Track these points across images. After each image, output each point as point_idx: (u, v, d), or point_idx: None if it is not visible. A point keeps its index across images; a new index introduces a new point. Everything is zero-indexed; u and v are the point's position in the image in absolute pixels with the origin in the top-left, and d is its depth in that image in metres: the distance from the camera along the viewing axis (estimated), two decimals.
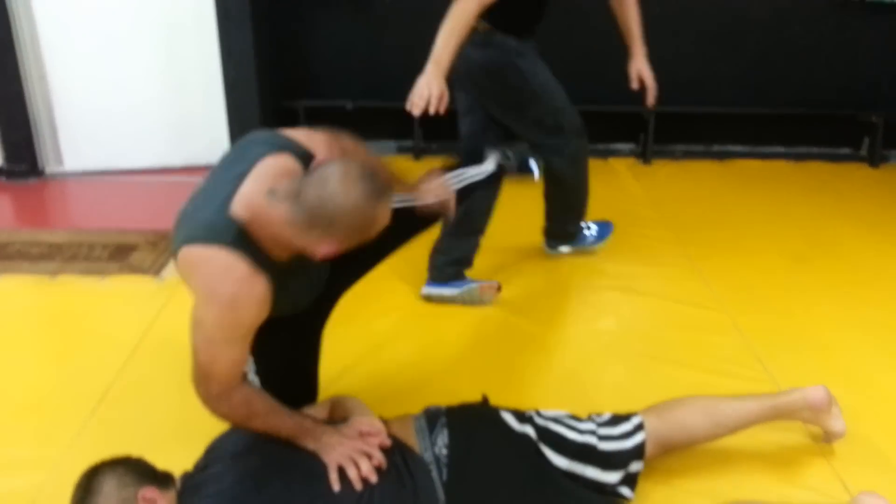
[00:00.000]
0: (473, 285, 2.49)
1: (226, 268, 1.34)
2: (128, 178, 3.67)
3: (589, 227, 2.89)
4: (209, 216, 1.38)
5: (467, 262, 2.53)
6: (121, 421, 1.93)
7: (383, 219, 1.38)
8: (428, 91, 1.95)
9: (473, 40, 2.17)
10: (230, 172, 1.42)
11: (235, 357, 1.41)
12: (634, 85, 2.55)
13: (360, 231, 1.36)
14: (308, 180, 1.34)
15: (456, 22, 2.03)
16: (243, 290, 1.35)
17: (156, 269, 2.71)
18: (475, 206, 2.41)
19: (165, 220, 3.00)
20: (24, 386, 2.08)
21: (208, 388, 1.41)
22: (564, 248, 2.88)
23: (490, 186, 2.24)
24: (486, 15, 2.11)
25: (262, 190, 1.36)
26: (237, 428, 1.50)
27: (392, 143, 4.10)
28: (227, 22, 3.45)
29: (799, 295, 2.65)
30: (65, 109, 3.63)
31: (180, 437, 1.76)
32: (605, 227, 2.91)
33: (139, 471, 1.42)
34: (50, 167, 3.69)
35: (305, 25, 3.92)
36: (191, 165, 3.67)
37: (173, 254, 1.44)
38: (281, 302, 1.44)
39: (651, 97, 2.61)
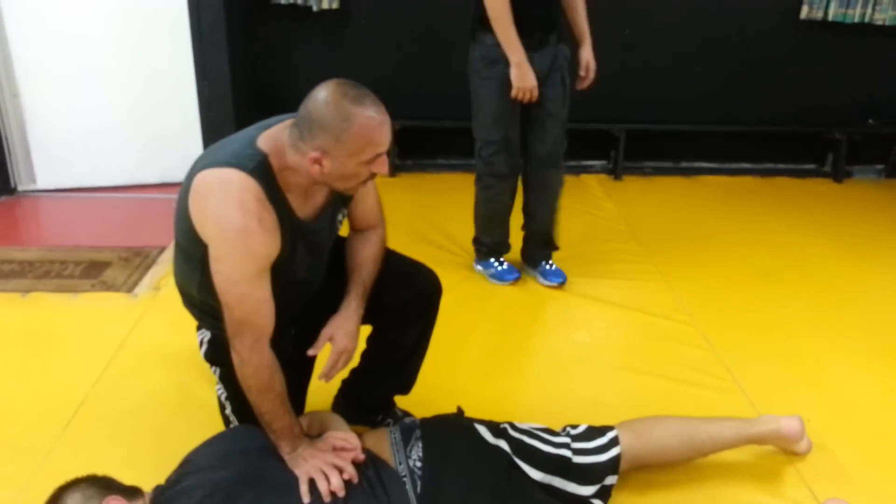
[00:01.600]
0: None
1: (241, 189, 1.40)
2: (101, 195, 3.65)
3: (501, 263, 2.86)
4: (236, 147, 1.46)
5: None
6: (93, 437, 1.92)
7: (365, 128, 1.39)
8: (530, 83, 2.43)
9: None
10: (249, 131, 1.51)
11: (260, 296, 1.45)
12: (582, 72, 2.70)
13: (338, 132, 1.38)
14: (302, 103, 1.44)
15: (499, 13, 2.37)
16: (253, 218, 1.39)
17: (129, 286, 2.70)
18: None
19: (139, 236, 3.09)
20: None
21: (243, 339, 1.45)
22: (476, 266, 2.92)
23: None
24: None
25: (285, 126, 1.46)
26: (250, 395, 1.51)
27: None
28: (202, 41, 3.46)
29: (766, 306, 2.71)
30: (38, 127, 3.60)
31: (153, 453, 1.76)
32: (510, 272, 2.84)
33: (104, 485, 1.41)
34: (22, 185, 3.66)
35: (282, 43, 3.95)
36: (165, 182, 3.66)
37: (186, 189, 1.47)
38: (288, 263, 1.49)
39: (587, 83, 2.75)
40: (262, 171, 1.43)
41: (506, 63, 2.44)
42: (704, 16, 3.97)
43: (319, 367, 1.89)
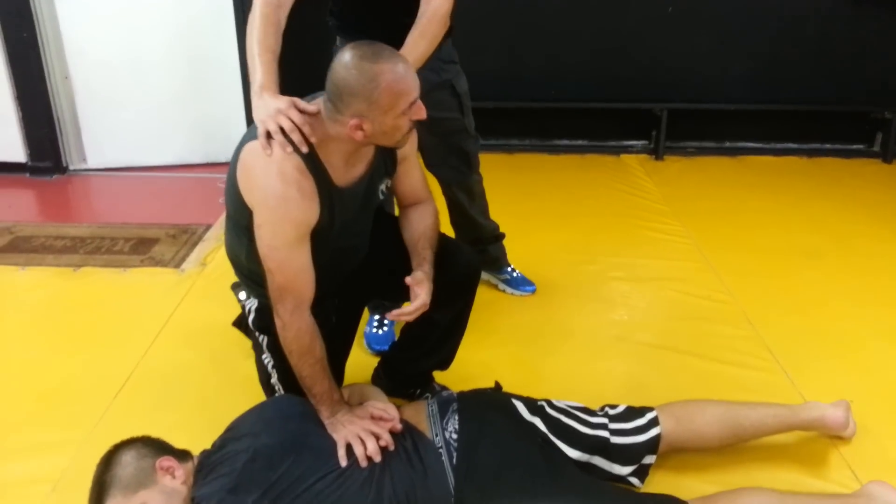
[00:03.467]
0: None
1: (281, 158, 1.44)
2: (149, 174, 3.75)
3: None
4: None
5: None
6: (142, 406, 1.99)
7: (390, 81, 1.41)
8: None
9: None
10: None
11: (300, 263, 1.50)
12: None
13: (367, 94, 1.41)
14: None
15: None
16: (292, 186, 1.44)
17: (176, 262, 2.77)
18: None
19: (185, 214, 3.16)
20: (48, 373, 2.14)
21: (284, 304, 1.50)
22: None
23: None
24: None
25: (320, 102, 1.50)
26: (291, 359, 1.55)
27: None
28: (245, 23, 3.49)
29: (811, 288, 2.67)
30: (88, 108, 3.71)
31: (199, 420, 1.82)
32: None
33: (157, 445, 1.49)
34: (73, 164, 3.78)
35: (326, 25, 3.97)
36: (210, 162, 3.74)
37: (235, 160, 1.52)
38: (328, 231, 1.53)
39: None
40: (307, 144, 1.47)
41: None
42: None
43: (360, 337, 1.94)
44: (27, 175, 3.69)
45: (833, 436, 1.83)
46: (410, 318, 1.62)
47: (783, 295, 2.61)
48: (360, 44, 1.46)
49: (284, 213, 1.46)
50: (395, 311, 1.62)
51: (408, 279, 1.62)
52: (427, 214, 1.75)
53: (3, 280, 2.67)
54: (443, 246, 1.75)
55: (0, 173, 3.68)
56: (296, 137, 1.45)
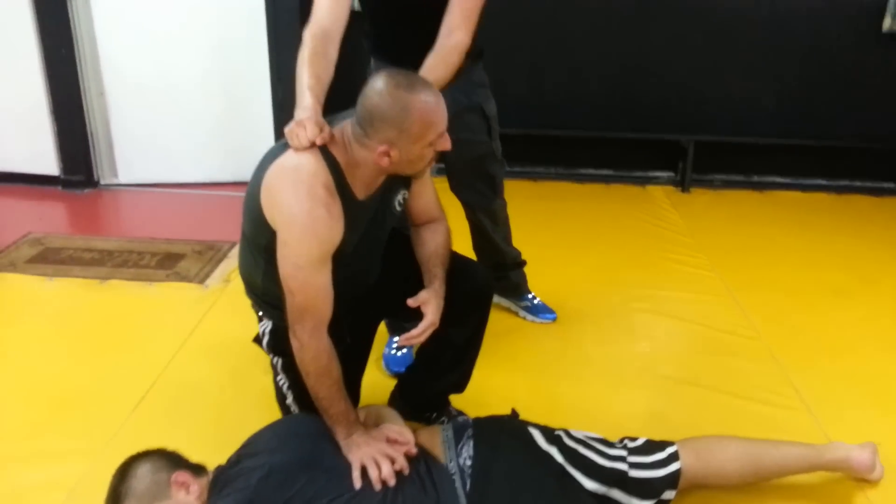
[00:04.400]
0: None
1: (311, 176, 1.45)
2: (178, 191, 3.80)
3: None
4: None
5: None
6: (160, 418, 2.00)
7: (423, 112, 1.44)
8: None
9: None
10: None
11: (321, 283, 1.50)
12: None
13: (399, 122, 1.43)
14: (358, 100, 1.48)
15: None
16: (321, 205, 1.45)
17: (201, 278, 2.80)
18: None
19: (212, 231, 3.20)
20: (70, 381, 2.17)
21: (304, 324, 1.50)
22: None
23: None
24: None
25: (346, 125, 1.52)
26: (308, 380, 1.55)
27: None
28: (278, 45, 3.57)
29: (838, 327, 2.62)
30: (121, 125, 3.78)
31: (217, 435, 1.82)
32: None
33: (173, 459, 1.49)
34: (105, 179, 3.85)
35: (356, 46, 4.03)
36: (238, 181, 3.79)
37: (258, 178, 1.53)
38: (348, 250, 1.53)
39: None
40: (331, 162, 1.48)
41: None
42: (781, 26, 3.86)
43: (374, 357, 1.94)
44: (60, 188, 3.76)
45: (859, 478, 1.78)
46: (420, 339, 1.62)
47: (809, 333, 2.57)
48: (394, 72, 1.48)
49: (312, 232, 1.46)
50: (404, 336, 1.62)
51: (410, 300, 1.62)
52: (439, 233, 1.75)
53: (31, 289, 2.71)
54: (456, 263, 1.75)
55: (33, 185, 3.76)
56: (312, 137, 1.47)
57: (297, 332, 1.51)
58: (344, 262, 1.54)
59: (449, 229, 1.79)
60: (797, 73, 3.96)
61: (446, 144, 1.52)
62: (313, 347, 1.52)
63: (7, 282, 2.75)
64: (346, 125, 1.53)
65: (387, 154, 1.46)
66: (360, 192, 1.55)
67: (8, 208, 3.63)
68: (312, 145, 1.47)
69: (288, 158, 1.49)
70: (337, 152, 1.50)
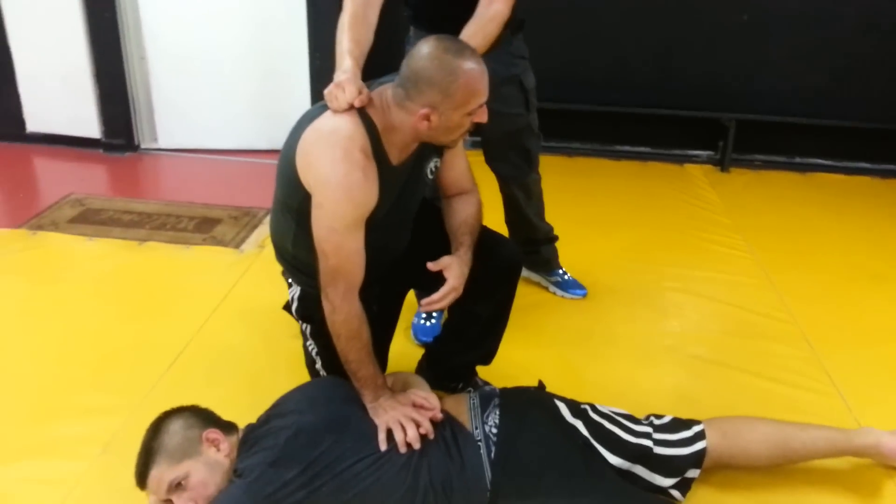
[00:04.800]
0: None
1: (348, 139, 1.46)
2: (216, 157, 3.84)
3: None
4: None
5: None
6: (194, 378, 2.05)
7: (470, 78, 1.44)
8: None
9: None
10: None
11: (355, 246, 1.51)
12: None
13: (445, 86, 1.43)
14: (403, 63, 1.49)
15: None
16: (357, 168, 1.46)
17: (237, 243, 2.85)
18: None
19: (248, 197, 3.24)
20: (107, 340, 2.23)
21: (336, 287, 1.52)
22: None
23: None
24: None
25: (385, 89, 1.53)
26: (339, 343, 1.57)
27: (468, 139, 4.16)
28: (317, 15, 3.57)
29: (876, 313, 2.56)
30: (161, 91, 3.82)
31: (246, 395, 1.86)
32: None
33: (205, 416, 1.53)
34: (145, 143, 3.91)
35: (393, 16, 4.01)
36: (275, 149, 3.79)
37: (294, 140, 1.53)
38: (381, 216, 1.54)
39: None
40: (369, 125, 1.49)
41: None
42: (830, 4, 3.74)
43: (398, 326, 1.96)
44: (101, 151, 3.83)
45: (889, 465, 1.76)
46: (442, 304, 1.61)
47: (845, 318, 2.52)
48: (444, 37, 1.48)
49: (348, 194, 1.47)
50: (426, 301, 1.63)
51: (430, 264, 1.62)
52: (470, 203, 1.76)
53: (71, 249, 2.78)
54: (484, 238, 1.75)
55: (76, 148, 3.83)
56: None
57: (329, 294, 1.53)
58: (375, 228, 1.55)
59: (480, 201, 1.79)
60: (845, 53, 3.83)
61: (484, 117, 1.52)
62: (345, 311, 1.53)
63: (48, 240, 2.83)
64: (386, 88, 1.53)
65: (427, 118, 1.46)
66: (395, 157, 1.56)
67: (51, 169, 3.72)
68: (350, 107, 1.48)
69: (325, 121, 1.49)
70: (374, 115, 1.50)
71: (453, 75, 1.43)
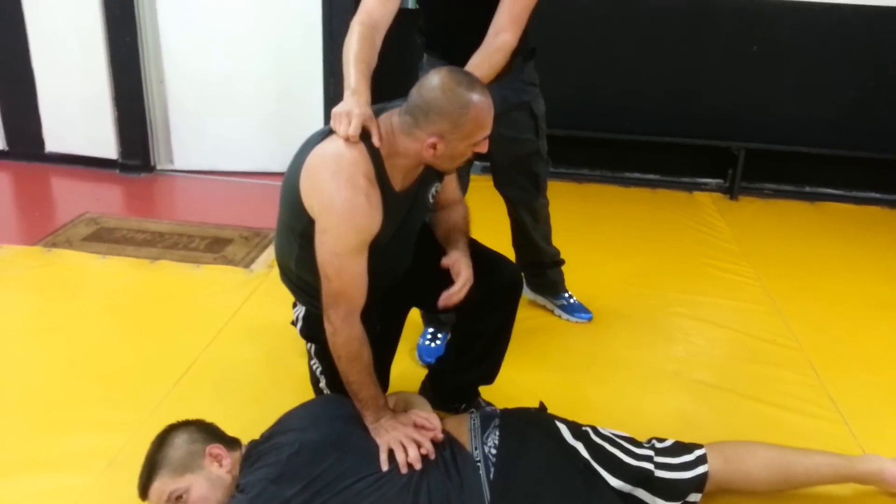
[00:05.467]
0: None
1: (352, 165, 1.48)
2: (230, 179, 3.91)
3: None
4: None
5: None
6: (200, 395, 2.07)
7: (479, 111, 1.48)
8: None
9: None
10: None
11: (357, 270, 1.53)
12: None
13: (455, 118, 1.47)
14: (411, 91, 1.52)
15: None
16: (361, 194, 1.48)
17: (247, 262, 2.88)
18: None
19: (259, 219, 3.28)
20: (116, 355, 2.25)
21: (337, 309, 1.54)
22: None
23: None
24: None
25: (390, 115, 1.56)
26: (340, 364, 1.58)
27: (477, 164, 4.19)
28: (332, 41, 3.64)
29: (882, 342, 2.56)
30: (179, 113, 3.90)
31: (251, 414, 1.87)
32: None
33: (209, 431, 1.56)
34: (161, 164, 3.97)
35: (407, 44, 4.07)
36: None
37: (298, 165, 1.55)
38: (384, 241, 1.57)
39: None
40: (373, 151, 1.52)
41: None
42: (838, 35, 3.77)
43: (402, 346, 1.97)
44: (117, 171, 3.89)
45: (892, 493, 1.75)
46: (460, 295, 1.65)
47: (852, 346, 2.51)
48: (455, 69, 1.54)
49: (351, 220, 1.49)
50: (445, 295, 1.65)
51: (444, 260, 1.66)
52: (457, 210, 1.82)
53: (84, 266, 2.83)
54: (484, 258, 1.78)
55: (92, 168, 3.90)
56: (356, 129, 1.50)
57: (330, 316, 1.55)
58: (379, 253, 1.57)
59: (467, 208, 1.84)
60: (854, 84, 3.85)
61: (485, 147, 1.57)
62: (345, 333, 1.55)
63: (63, 258, 2.87)
64: (393, 115, 1.56)
65: (433, 147, 1.50)
66: (398, 183, 1.58)
67: (67, 189, 3.79)
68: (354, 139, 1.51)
69: (329, 146, 1.52)
70: (379, 142, 1.53)
71: (465, 108, 1.47)
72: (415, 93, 1.52)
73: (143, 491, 1.48)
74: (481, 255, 1.77)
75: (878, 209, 3.95)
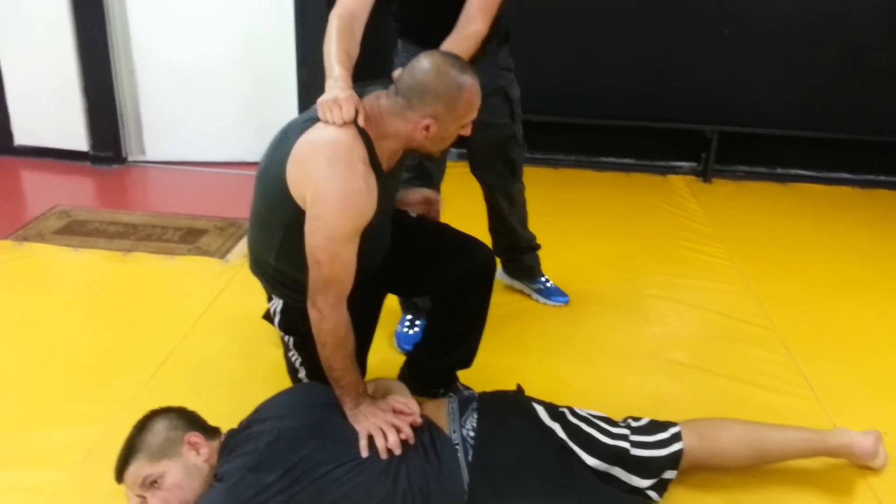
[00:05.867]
0: None
1: (348, 150, 1.47)
2: (202, 169, 3.87)
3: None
4: None
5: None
6: (176, 386, 2.06)
7: (472, 93, 1.52)
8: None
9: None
10: None
11: (349, 256, 1.52)
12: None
13: (450, 100, 1.50)
14: (401, 74, 1.53)
15: None
16: (360, 179, 1.48)
17: (222, 253, 2.86)
18: None
19: (234, 209, 3.26)
20: (91, 349, 2.24)
21: (327, 296, 1.52)
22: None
23: None
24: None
25: (376, 97, 1.56)
26: (325, 351, 1.57)
27: (454, 151, 4.19)
28: (304, 29, 3.61)
29: (853, 319, 2.60)
30: (149, 104, 3.85)
31: (229, 404, 1.86)
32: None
33: (189, 418, 1.55)
34: (133, 155, 3.92)
35: (379, 31, 4.05)
36: None
37: (282, 154, 1.53)
38: (374, 226, 1.56)
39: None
40: (364, 135, 1.51)
41: None
42: (811, 19, 3.80)
43: (381, 333, 1.97)
44: (88, 164, 3.84)
45: (862, 465, 1.79)
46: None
47: (823, 324, 2.56)
48: (445, 52, 1.58)
49: (352, 206, 1.48)
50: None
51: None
52: None
53: (56, 260, 2.79)
54: (456, 241, 1.80)
55: (63, 160, 3.85)
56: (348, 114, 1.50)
57: (318, 303, 1.53)
58: (366, 236, 1.56)
59: None
60: (825, 66, 3.89)
61: (469, 130, 1.60)
62: (334, 319, 1.54)
63: (34, 251, 2.83)
64: (379, 97, 1.56)
65: (427, 128, 1.51)
66: (385, 165, 1.59)
67: (38, 182, 3.74)
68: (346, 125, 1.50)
69: (320, 133, 1.50)
70: (368, 125, 1.52)
71: (459, 90, 1.50)
72: (406, 76, 1.53)
73: (119, 474, 1.48)
74: (453, 239, 1.78)
75: (849, 189, 4.00)
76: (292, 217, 1.53)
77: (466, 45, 1.86)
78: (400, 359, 2.12)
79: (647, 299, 2.68)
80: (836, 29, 3.82)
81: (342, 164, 1.46)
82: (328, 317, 1.54)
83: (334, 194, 1.47)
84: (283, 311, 1.79)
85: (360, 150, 1.49)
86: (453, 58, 1.54)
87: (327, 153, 1.47)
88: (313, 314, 1.55)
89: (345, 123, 1.48)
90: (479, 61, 1.91)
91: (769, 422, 1.81)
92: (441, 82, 1.49)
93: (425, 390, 1.95)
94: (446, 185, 2.28)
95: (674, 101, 4.03)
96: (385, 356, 2.19)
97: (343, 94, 1.50)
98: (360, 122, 1.50)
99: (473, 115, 1.56)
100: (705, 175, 4.01)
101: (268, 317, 2.02)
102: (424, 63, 1.51)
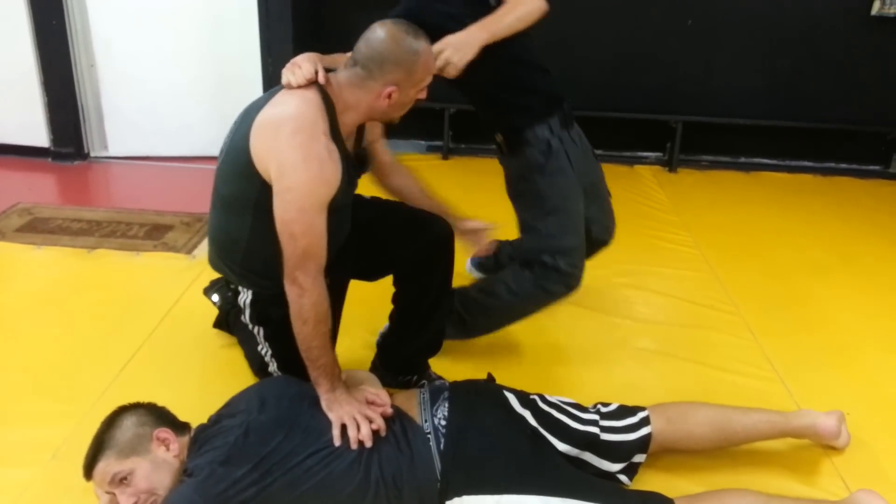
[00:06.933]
0: None
1: (312, 121, 1.48)
2: (167, 164, 3.82)
3: None
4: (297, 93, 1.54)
5: None
6: (144, 383, 2.03)
7: (427, 56, 1.57)
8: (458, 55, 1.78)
9: None
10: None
11: (323, 227, 1.52)
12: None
13: (409, 66, 1.53)
14: (357, 45, 1.55)
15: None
16: (325, 149, 1.49)
17: (188, 249, 2.83)
18: None
19: (200, 203, 3.18)
20: (56, 347, 2.20)
21: (307, 269, 1.51)
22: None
23: None
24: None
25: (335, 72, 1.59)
26: (306, 328, 1.55)
27: (422, 143, 4.18)
28: (268, 18, 3.57)
29: (816, 303, 2.67)
30: (111, 97, 3.78)
31: (197, 400, 1.84)
32: None
33: (158, 414, 1.54)
34: (95, 151, 3.86)
35: (347, 24, 4.02)
36: None
37: (244, 131, 1.54)
38: (338, 199, 1.57)
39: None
40: (328, 106, 1.52)
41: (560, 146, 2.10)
42: (771, 9, 3.87)
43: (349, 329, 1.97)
44: (49, 160, 3.77)
45: (825, 445, 1.84)
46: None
47: (787, 308, 2.61)
48: (398, 20, 1.58)
49: (320, 174, 1.49)
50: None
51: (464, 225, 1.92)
52: (408, 172, 1.97)
53: (19, 258, 2.73)
54: (412, 217, 1.82)
55: (23, 157, 3.76)
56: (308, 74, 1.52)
57: (299, 278, 1.51)
58: (332, 211, 1.56)
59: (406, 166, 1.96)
60: (786, 55, 3.97)
61: (424, 94, 1.63)
62: (316, 292, 1.53)
63: None
64: (339, 70, 1.57)
65: (389, 96, 1.54)
66: (346, 139, 1.60)
67: None
68: (308, 83, 1.50)
69: (282, 107, 1.50)
70: (331, 96, 1.53)
71: (416, 55, 1.53)
72: (363, 46, 1.54)
73: (88, 471, 1.46)
74: (409, 216, 1.80)
75: (811, 177, 4.09)
76: (260, 194, 1.53)
77: (522, 11, 1.94)
78: (368, 353, 2.11)
79: (615, 288, 2.71)
80: (797, 18, 3.90)
81: (306, 135, 1.48)
82: (310, 290, 1.52)
83: (303, 164, 1.47)
84: (252, 303, 1.78)
85: (322, 125, 1.50)
86: (406, 24, 1.56)
87: (291, 125, 1.48)
88: (293, 291, 1.53)
89: (307, 82, 1.50)
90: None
91: (735, 405, 1.84)
92: (399, 49, 1.52)
93: (397, 378, 1.96)
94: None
95: (638, 91, 4.08)
96: (352, 351, 2.18)
97: (301, 56, 1.54)
98: (321, 79, 1.51)
99: (430, 78, 1.60)
100: (671, 165, 4.07)
101: (218, 325, 2.02)
102: (379, 32, 1.54)
